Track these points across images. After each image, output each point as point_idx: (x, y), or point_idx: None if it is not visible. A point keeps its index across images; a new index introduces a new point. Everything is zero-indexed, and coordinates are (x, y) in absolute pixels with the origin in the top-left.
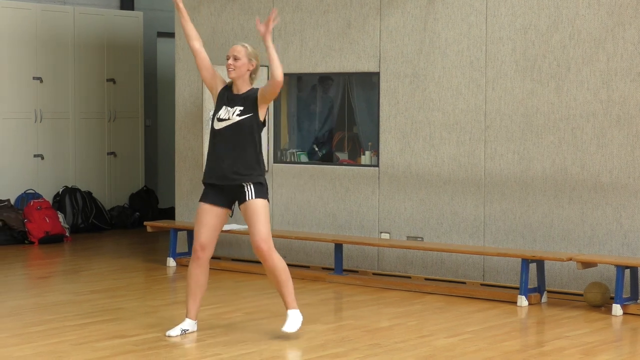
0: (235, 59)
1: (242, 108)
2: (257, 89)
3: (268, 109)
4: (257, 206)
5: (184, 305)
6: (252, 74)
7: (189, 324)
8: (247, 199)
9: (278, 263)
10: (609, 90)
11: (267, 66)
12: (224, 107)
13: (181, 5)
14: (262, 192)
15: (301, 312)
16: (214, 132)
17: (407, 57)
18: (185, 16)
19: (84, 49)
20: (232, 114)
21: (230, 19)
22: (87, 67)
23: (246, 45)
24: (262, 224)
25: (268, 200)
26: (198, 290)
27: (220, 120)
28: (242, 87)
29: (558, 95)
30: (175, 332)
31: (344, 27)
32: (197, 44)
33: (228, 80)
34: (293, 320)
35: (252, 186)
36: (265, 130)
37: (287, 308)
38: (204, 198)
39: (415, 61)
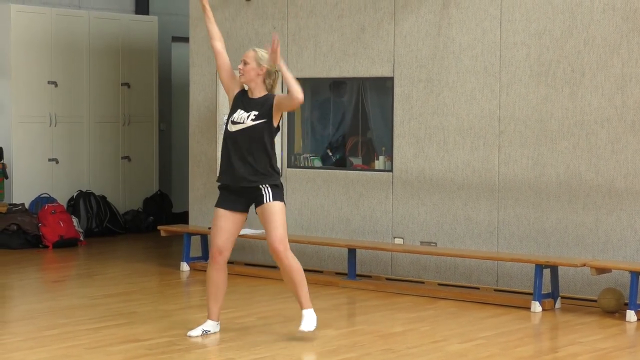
0: (245, 63)
1: (257, 113)
2: (274, 95)
3: (282, 114)
4: (275, 208)
5: (197, 309)
6: (266, 79)
7: (210, 325)
8: (264, 201)
9: (294, 264)
10: (624, 95)
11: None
12: (239, 110)
13: (207, 5)
14: (279, 194)
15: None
16: (227, 134)
17: (421, 62)
18: (210, 16)
19: (99, 53)
20: (246, 118)
21: (245, 24)
22: (101, 72)
23: (257, 49)
24: (279, 225)
25: (284, 203)
26: (219, 292)
27: (234, 123)
28: (257, 92)
29: (572, 101)
30: (196, 332)
31: (358, 31)
32: (219, 45)
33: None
34: (309, 319)
35: (269, 188)
36: (279, 135)
37: (301, 308)
38: (220, 203)
39: (429, 66)
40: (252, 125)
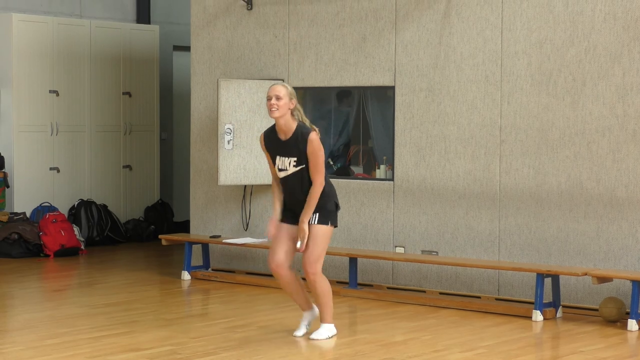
0: (278, 98)
1: (295, 159)
2: (305, 137)
3: None
4: (315, 231)
5: (198, 318)
6: (293, 112)
7: (306, 316)
8: (310, 222)
9: (320, 288)
10: (625, 104)
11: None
12: (278, 157)
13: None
14: (325, 217)
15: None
16: (279, 178)
17: (422, 71)
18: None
19: (100, 62)
20: (288, 165)
21: (246, 33)
22: (103, 81)
23: (286, 85)
24: (314, 248)
25: (333, 224)
26: (297, 291)
27: (280, 170)
28: (287, 129)
29: (574, 110)
30: (301, 331)
31: (359, 41)
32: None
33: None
34: (324, 330)
35: (317, 214)
36: None
37: (321, 321)
38: (284, 219)
39: (430, 75)
40: (296, 171)
